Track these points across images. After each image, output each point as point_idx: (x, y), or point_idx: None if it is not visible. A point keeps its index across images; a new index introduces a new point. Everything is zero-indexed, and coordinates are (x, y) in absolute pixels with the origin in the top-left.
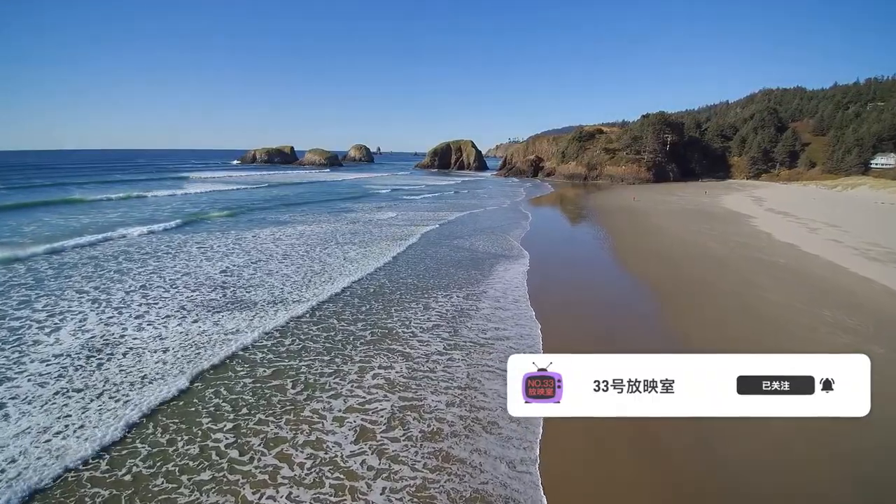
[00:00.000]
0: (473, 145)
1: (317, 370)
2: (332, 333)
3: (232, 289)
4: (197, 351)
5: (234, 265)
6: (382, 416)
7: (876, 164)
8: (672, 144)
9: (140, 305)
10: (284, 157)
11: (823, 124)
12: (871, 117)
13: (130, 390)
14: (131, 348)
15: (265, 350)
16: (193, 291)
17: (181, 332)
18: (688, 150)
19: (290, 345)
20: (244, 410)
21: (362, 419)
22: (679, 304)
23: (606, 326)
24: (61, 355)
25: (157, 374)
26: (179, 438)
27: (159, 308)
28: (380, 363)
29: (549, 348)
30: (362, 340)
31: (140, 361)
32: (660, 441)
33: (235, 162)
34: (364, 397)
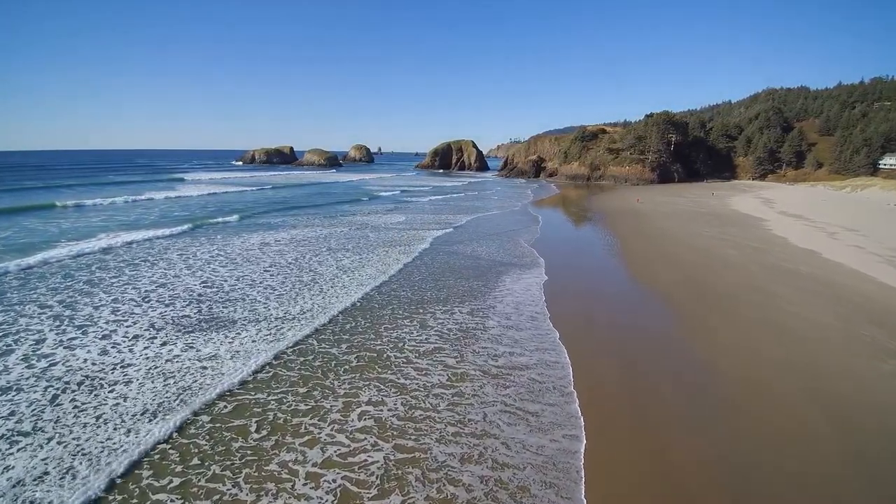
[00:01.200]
0: (474, 145)
1: (290, 406)
2: (310, 357)
3: (209, 304)
4: (165, 383)
5: (215, 276)
6: (372, 475)
7: (884, 165)
8: (676, 144)
9: (108, 323)
10: (284, 158)
11: (829, 124)
12: (879, 117)
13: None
14: (89, 377)
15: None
16: (167, 307)
17: (148, 358)
18: (692, 150)
19: (259, 372)
20: (194, 461)
21: (345, 478)
22: (703, 324)
23: (634, 352)
24: (9, 388)
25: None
26: None
27: (128, 326)
28: (370, 397)
29: (580, 381)
30: (347, 367)
31: (97, 399)
32: None
33: (237, 162)
34: (348, 445)
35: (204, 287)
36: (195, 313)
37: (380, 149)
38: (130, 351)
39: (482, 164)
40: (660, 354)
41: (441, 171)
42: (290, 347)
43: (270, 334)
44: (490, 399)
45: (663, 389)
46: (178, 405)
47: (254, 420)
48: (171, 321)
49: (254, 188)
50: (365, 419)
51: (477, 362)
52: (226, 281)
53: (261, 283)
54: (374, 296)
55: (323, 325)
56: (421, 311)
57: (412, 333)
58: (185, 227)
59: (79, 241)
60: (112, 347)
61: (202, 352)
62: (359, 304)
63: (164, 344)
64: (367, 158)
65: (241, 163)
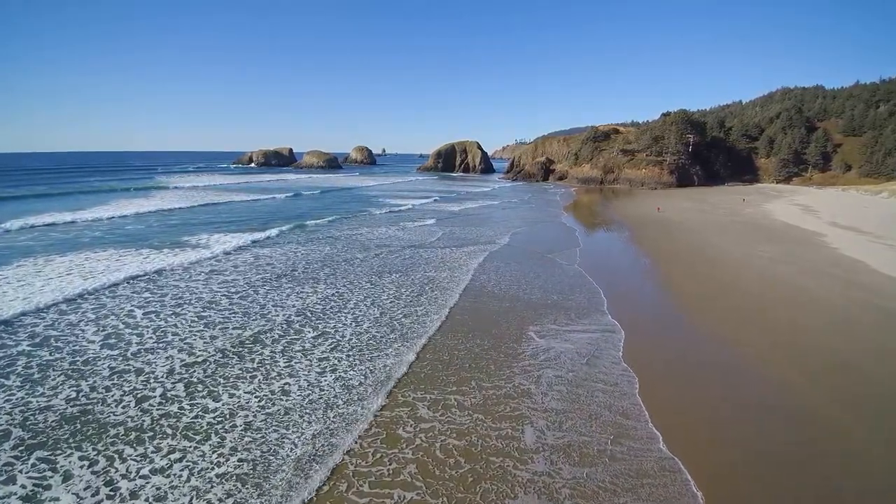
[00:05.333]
0: (479, 146)
1: None
2: None
3: None
4: None
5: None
6: None
7: None
8: (694, 145)
9: None
10: (282, 160)
11: (854, 124)
12: None
13: None
14: None
15: None
16: None
17: None
18: (711, 151)
19: None
20: None
21: None
22: (811, 401)
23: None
24: None
25: None
26: None
27: None
28: None
29: None
30: None
31: None
32: None
33: (233, 165)
34: None
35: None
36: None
37: (384, 150)
38: None
39: (487, 167)
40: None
41: (443, 173)
42: None
43: None
44: None
45: None
46: None
47: None
48: None
49: (214, 202)
50: None
51: None
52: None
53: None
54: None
55: None
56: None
57: None
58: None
59: None
60: None
61: None
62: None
63: None
64: (369, 160)
65: (239, 165)
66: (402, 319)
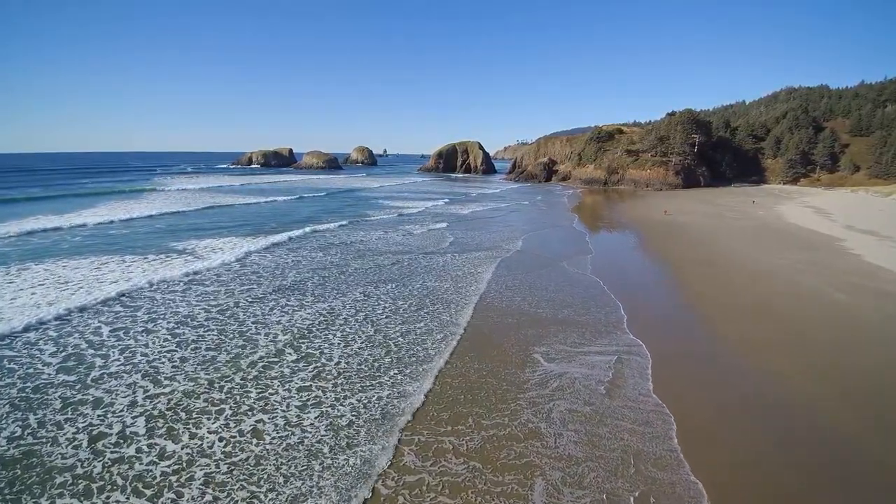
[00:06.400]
0: (481, 147)
1: None
2: None
3: None
4: None
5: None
6: None
7: None
8: (700, 146)
9: None
10: (281, 160)
11: (862, 124)
12: None
13: None
14: None
15: None
16: None
17: None
18: (716, 151)
19: None
20: None
21: None
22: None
23: None
24: None
25: None
26: None
27: None
28: None
29: None
30: None
31: None
32: None
33: (233, 165)
34: None
35: None
36: None
37: (385, 150)
38: None
39: (489, 167)
40: None
41: (445, 174)
42: None
43: None
44: None
45: None
46: None
47: None
48: None
49: (204, 207)
50: None
51: None
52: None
53: None
54: None
55: None
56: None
57: None
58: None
59: None
60: None
61: None
62: None
63: None
64: (370, 161)
65: (239, 165)
66: (421, 339)
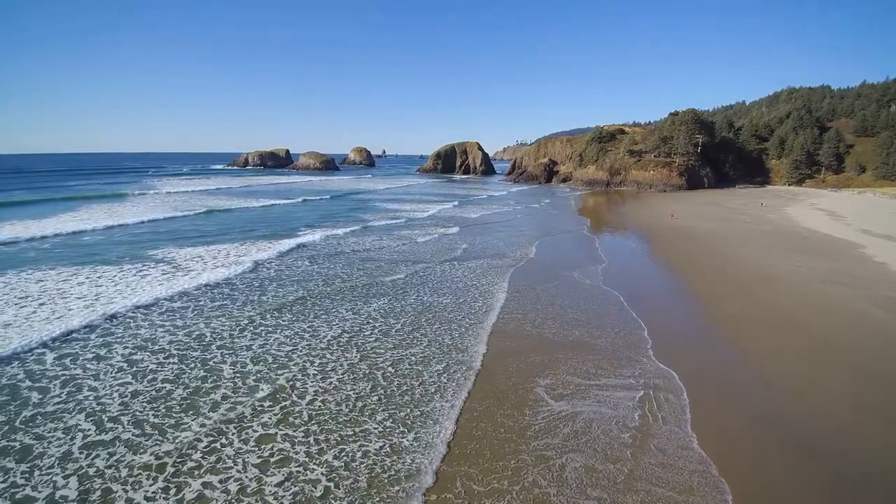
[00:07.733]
0: (480, 147)
1: None
2: None
3: None
4: None
5: None
6: None
7: None
8: (703, 146)
9: None
10: (278, 161)
11: (866, 124)
12: None
13: None
14: None
15: None
16: None
17: None
18: (720, 152)
19: None
20: None
21: None
22: None
23: None
24: None
25: None
26: None
27: None
28: None
29: None
30: None
31: None
32: None
33: (228, 166)
34: None
35: None
36: None
37: (384, 151)
38: None
39: (488, 168)
40: None
41: (444, 175)
42: None
43: None
44: None
45: None
46: None
47: None
48: None
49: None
50: None
51: None
52: None
53: None
54: None
55: None
56: None
57: None
58: None
59: None
60: None
61: None
62: None
63: None
64: (368, 161)
65: (235, 167)
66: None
